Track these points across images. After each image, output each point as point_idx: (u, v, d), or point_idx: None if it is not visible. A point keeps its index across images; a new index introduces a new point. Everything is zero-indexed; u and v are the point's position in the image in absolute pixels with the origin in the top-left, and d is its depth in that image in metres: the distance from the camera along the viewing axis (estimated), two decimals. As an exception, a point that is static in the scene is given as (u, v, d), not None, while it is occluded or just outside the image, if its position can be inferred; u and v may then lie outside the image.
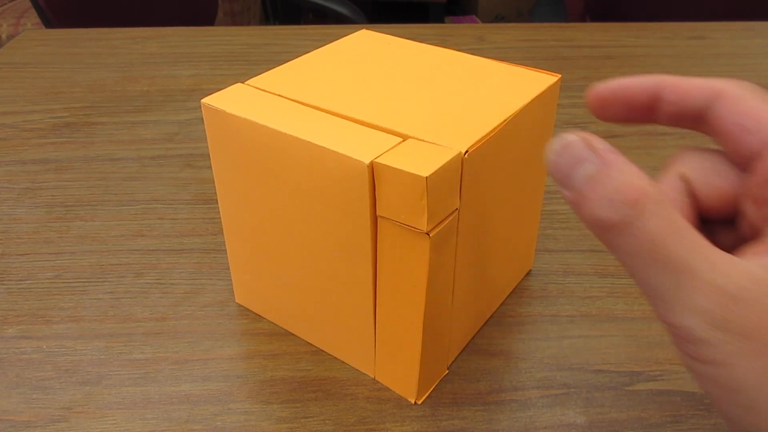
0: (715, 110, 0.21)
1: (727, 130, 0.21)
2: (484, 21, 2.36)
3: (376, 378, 0.36)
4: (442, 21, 2.27)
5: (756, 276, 0.17)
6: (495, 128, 0.31)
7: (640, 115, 0.24)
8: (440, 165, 0.28)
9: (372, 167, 0.28)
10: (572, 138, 0.20)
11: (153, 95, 0.70)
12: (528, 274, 0.44)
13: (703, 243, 0.18)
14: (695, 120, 0.22)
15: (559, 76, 0.36)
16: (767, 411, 0.16)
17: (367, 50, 0.39)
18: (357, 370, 0.37)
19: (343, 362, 0.37)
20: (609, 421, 0.34)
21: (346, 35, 0.42)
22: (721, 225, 0.23)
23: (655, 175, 0.22)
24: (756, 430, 0.17)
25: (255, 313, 0.41)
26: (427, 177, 0.27)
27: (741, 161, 0.21)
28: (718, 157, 0.23)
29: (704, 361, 0.17)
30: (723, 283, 0.17)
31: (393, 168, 0.28)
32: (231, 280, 0.41)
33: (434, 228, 0.29)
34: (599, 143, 0.20)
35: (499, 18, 2.42)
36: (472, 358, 0.38)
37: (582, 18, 1.41)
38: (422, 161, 0.28)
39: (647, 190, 0.18)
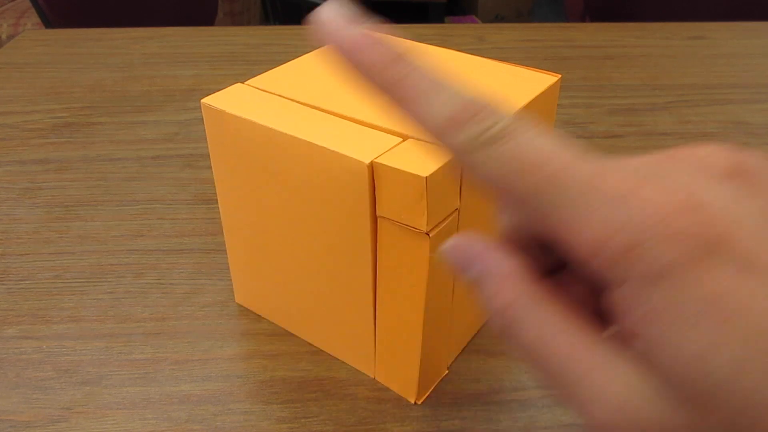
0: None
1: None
2: (484, 21, 2.36)
3: (376, 378, 0.36)
4: (442, 21, 2.27)
5: (634, 387, 0.16)
6: (495, 128, 0.31)
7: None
8: (440, 165, 0.28)
9: (372, 167, 0.28)
10: (455, 242, 0.19)
11: (153, 95, 0.70)
12: (528, 274, 0.44)
13: (583, 344, 0.16)
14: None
15: (559, 76, 0.36)
16: None
17: (367, 50, 0.39)
18: (357, 370, 0.37)
19: (343, 362, 0.37)
20: (609, 421, 0.34)
21: (346, 35, 0.42)
22: None
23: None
24: None
25: (255, 313, 0.41)
26: (426, 177, 0.27)
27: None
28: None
29: None
30: (603, 399, 0.16)
31: (393, 168, 0.28)
32: (231, 280, 0.41)
33: (434, 228, 0.29)
34: (479, 246, 0.19)
35: (499, 18, 2.42)
36: (472, 358, 0.38)
37: (582, 18, 1.41)
38: (422, 161, 0.28)
39: (515, 297, 0.18)
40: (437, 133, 0.17)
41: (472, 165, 0.17)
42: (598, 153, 0.16)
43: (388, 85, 0.18)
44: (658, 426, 0.15)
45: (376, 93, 0.19)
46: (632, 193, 0.15)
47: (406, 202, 0.28)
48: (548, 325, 0.17)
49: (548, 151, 0.16)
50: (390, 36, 0.18)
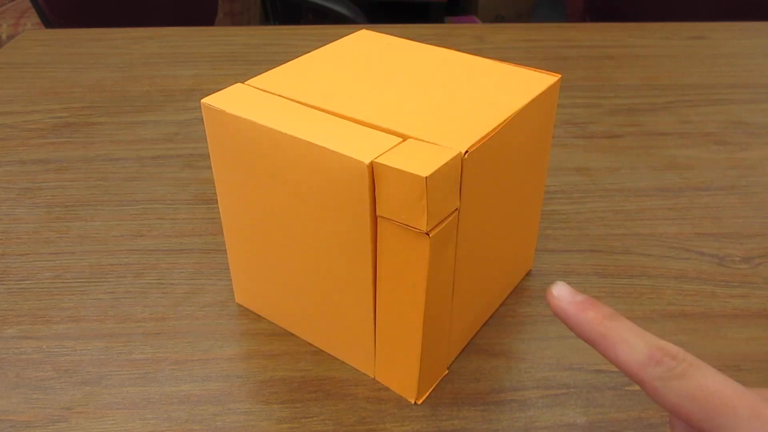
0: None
1: None
2: (484, 21, 2.36)
3: (376, 378, 0.36)
4: (442, 21, 2.27)
5: None
6: (495, 128, 0.31)
7: None
8: (440, 165, 0.28)
9: (372, 167, 0.28)
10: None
11: (153, 95, 0.70)
12: (528, 274, 0.44)
13: None
14: None
15: (559, 76, 0.36)
16: None
17: (367, 50, 0.39)
18: (357, 370, 0.37)
19: (343, 362, 0.37)
20: (609, 421, 0.34)
21: (346, 35, 0.42)
22: None
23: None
24: None
25: (255, 313, 0.41)
26: (426, 177, 0.27)
27: None
28: None
29: None
30: None
31: (393, 168, 0.28)
32: (231, 280, 0.41)
33: (434, 228, 0.29)
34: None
35: (499, 18, 2.42)
36: (472, 358, 0.38)
37: (582, 18, 1.41)
38: (422, 161, 0.28)
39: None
40: (634, 370, 0.22)
41: (661, 396, 0.22)
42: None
43: (602, 335, 0.24)
44: None
45: (591, 342, 0.24)
46: None
47: (406, 201, 0.28)
48: None
49: (720, 385, 0.21)
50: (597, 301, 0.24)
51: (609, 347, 0.23)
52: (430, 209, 0.28)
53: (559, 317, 0.25)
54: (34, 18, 1.64)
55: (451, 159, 0.28)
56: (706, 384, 0.21)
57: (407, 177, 0.27)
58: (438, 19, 2.28)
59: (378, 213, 0.30)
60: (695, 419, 0.21)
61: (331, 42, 0.41)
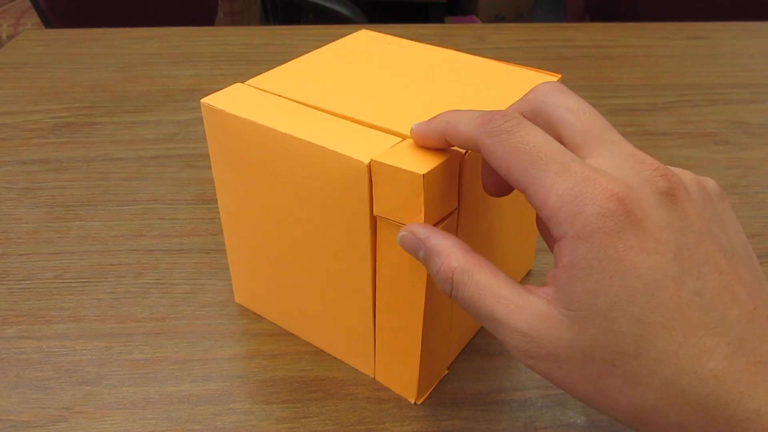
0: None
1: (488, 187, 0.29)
2: (484, 21, 2.36)
3: (376, 378, 0.36)
4: (442, 21, 2.27)
5: (540, 314, 0.22)
6: (495, 128, 0.31)
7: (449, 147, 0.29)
8: (438, 163, 0.27)
9: (369, 166, 0.28)
10: (404, 233, 0.28)
11: (153, 95, 0.70)
12: (528, 274, 0.44)
13: (504, 293, 0.23)
14: None
15: (559, 76, 0.36)
16: (587, 396, 0.22)
17: (367, 50, 0.39)
18: (357, 370, 0.37)
19: (343, 362, 0.37)
20: (609, 421, 0.34)
21: (346, 35, 0.42)
22: None
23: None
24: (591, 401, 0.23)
25: (255, 313, 0.41)
26: (423, 174, 0.27)
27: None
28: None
29: (541, 375, 0.23)
30: (519, 327, 0.23)
31: (390, 166, 0.28)
32: (231, 280, 0.41)
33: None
34: (422, 233, 0.27)
35: (499, 18, 2.42)
36: (472, 358, 0.38)
37: (582, 18, 1.41)
38: (420, 160, 0.28)
39: (454, 268, 0.25)
40: (473, 135, 0.25)
41: (491, 152, 0.24)
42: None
43: (445, 122, 0.27)
44: (554, 340, 0.22)
45: (438, 139, 0.28)
46: (593, 179, 0.22)
47: (403, 200, 0.28)
48: (481, 285, 0.24)
49: (542, 142, 0.23)
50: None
51: (453, 132, 0.26)
52: (428, 208, 0.28)
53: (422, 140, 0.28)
54: (34, 18, 1.64)
55: (449, 158, 0.28)
56: (530, 139, 0.23)
57: (404, 175, 0.27)
58: (438, 19, 2.28)
59: (375, 212, 0.29)
60: (515, 170, 0.23)
61: (331, 42, 0.41)
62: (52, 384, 0.36)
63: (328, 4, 1.21)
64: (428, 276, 0.30)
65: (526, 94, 0.27)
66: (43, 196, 0.53)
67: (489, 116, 0.24)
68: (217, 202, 0.38)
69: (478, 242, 0.34)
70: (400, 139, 0.30)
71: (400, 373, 0.35)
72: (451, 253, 0.25)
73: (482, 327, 0.40)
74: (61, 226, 0.49)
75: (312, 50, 0.39)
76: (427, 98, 0.34)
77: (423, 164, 0.27)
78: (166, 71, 0.75)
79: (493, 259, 0.37)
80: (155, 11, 1.33)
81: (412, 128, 0.29)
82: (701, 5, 1.18)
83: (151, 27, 0.88)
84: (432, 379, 0.36)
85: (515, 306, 0.23)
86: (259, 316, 0.41)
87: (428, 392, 0.36)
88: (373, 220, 0.30)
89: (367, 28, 0.43)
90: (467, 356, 0.38)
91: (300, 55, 0.39)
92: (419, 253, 0.27)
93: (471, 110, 0.26)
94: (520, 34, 0.87)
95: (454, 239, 0.26)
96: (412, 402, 0.35)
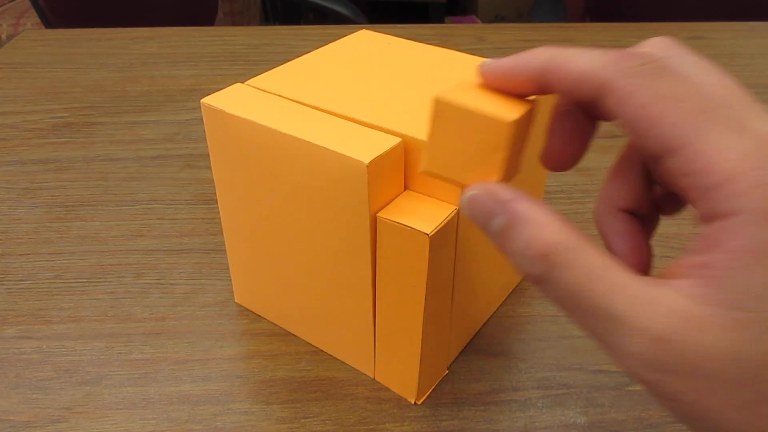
0: (605, 106, 0.19)
1: (623, 126, 0.19)
2: (484, 21, 2.36)
3: (376, 378, 0.36)
4: (442, 21, 2.27)
5: (681, 312, 0.16)
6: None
7: (538, 93, 0.22)
8: (524, 111, 0.25)
9: (370, 167, 0.28)
10: (476, 192, 0.21)
11: (153, 95, 0.70)
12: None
13: (624, 282, 0.17)
14: (591, 108, 0.20)
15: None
16: (736, 427, 0.16)
17: (367, 50, 0.39)
18: (357, 370, 0.37)
19: (343, 362, 0.37)
20: (609, 421, 0.34)
21: (346, 35, 0.42)
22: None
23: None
24: None
25: (255, 313, 0.41)
26: (510, 122, 0.25)
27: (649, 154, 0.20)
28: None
29: (659, 397, 0.17)
30: (648, 327, 0.17)
31: (463, 108, 0.25)
32: (231, 280, 0.41)
33: (434, 228, 0.29)
34: (506, 194, 0.20)
35: (499, 18, 2.42)
36: (472, 358, 0.38)
37: (582, 18, 1.41)
38: (500, 105, 0.24)
39: (555, 242, 0.18)
40: (598, 70, 0.19)
41: (622, 95, 0.18)
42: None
43: (551, 56, 0.20)
44: (703, 348, 0.16)
45: (536, 76, 0.21)
46: None
47: (472, 153, 0.26)
48: (592, 267, 0.18)
49: (705, 89, 0.18)
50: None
51: (561, 69, 0.20)
52: (506, 167, 0.26)
53: (498, 80, 0.22)
54: (34, 18, 1.64)
55: (532, 108, 0.27)
56: (687, 84, 0.18)
57: (483, 121, 0.25)
58: (438, 19, 2.28)
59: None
60: (665, 123, 0.17)
61: (331, 42, 0.41)
62: (52, 384, 0.36)
63: (328, 4, 1.21)
64: (428, 276, 0.30)
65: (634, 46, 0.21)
66: (42, 196, 0.53)
67: (622, 53, 0.19)
68: (217, 202, 0.38)
69: (479, 242, 0.34)
70: (400, 139, 0.30)
71: (400, 373, 0.35)
72: (549, 222, 0.19)
73: (482, 327, 0.40)
74: (61, 226, 0.49)
75: (312, 50, 0.39)
76: (427, 98, 0.34)
77: (506, 110, 0.22)
78: (166, 71, 0.75)
79: (493, 259, 0.37)
80: (155, 11, 1.33)
81: (483, 63, 0.22)
82: (701, 5, 1.17)
83: (151, 27, 0.88)
84: (432, 379, 0.36)
85: (642, 300, 0.17)
86: (259, 316, 0.41)
87: (428, 392, 0.36)
88: (374, 219, 0.30)
89: (367, 28, 0.43)
90: (467, 356, 0.38)
91: (300, 55, 0.39)
92: (495, 220, 0.20)
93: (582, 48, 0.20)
94: (520, 34, 0.87)
95: (549, 207, 0.19)
96: (412, 402, 0.35)
